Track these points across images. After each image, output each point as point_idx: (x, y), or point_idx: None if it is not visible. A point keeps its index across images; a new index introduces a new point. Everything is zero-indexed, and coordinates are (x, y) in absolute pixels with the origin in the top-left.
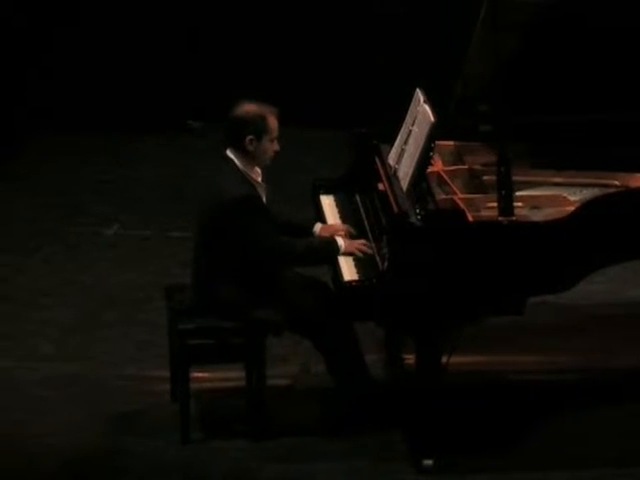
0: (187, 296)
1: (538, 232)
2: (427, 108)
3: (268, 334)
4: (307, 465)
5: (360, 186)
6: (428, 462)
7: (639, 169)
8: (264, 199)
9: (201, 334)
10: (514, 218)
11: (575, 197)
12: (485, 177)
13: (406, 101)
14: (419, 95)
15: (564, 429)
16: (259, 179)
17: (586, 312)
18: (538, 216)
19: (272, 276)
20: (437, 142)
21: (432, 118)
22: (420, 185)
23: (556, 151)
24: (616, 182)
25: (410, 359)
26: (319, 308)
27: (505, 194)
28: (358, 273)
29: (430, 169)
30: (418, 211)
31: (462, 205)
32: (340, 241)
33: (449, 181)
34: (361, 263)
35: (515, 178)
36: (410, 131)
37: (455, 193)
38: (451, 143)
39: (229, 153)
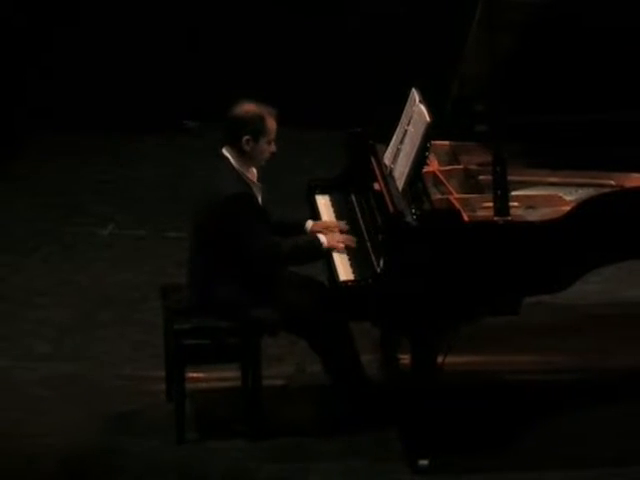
0: (183, 296)
1: (534, 232)
2: (423, 108)
3: (264, 334)
4: (303, 465)
5: (356, 186)
6: (424, 462)
7: (635, 169)
8: (259, 199)
9: (197, 334)
10: (510, 218)
11: (571, 197)
12: (481, 177)
13: (402, 101)
14: (415, 95)
15: (560, 429)
16: (254, 179)
17: (582, 312)
18: (534, 216)
19: (268, 275)
20: (433, 142)
21: (428, 118)
22: (416, 185)
23: (552, 151)
24: (612, 182)
25: (406, 359)
26: (315, 308)
27: (501, 194)
28: (354, 273)
29: (426, 169)
30: (414, 211)
31: (458, 205)
32: (322, 237)
33: (445, 181)
34: (357, 263)
35: (511, 178)
36: (406, 131)
37: (451, 193)
38: (447, 143)
39: (225, 152)
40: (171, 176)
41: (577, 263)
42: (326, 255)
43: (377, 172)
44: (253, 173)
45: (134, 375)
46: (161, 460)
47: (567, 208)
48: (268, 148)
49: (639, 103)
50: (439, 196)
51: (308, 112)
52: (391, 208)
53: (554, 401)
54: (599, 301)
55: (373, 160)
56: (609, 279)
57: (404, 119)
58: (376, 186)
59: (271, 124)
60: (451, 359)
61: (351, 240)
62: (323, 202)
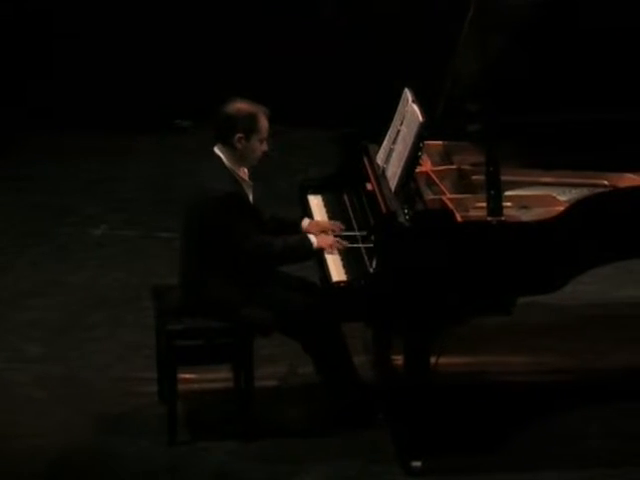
0: (175, 296)
1: (527, 232)
2: (415, 108)
3: (256, 335)
4: (295, 466)
5: (348, 186)
6: (417, 463)
7: (628, 169)
8: (251, 197)
9: (189, 335)
10: (503, 218)
11: (564, 197)
12: (474, 177)
13: (394, 101)
14: (407, 95)
15: (554, 429)
16: (246, 177)
17: (576, 312)
18: (527, 216)
19: (259, 275)
20: (425, 142)
21: (420, 118)
22: (408, 185)
23: (545, 151)
24: (605, 182)
25: (398, 360)
26: (307, 309)
27: (494, 194)
28: (346, 274)
29: (419, 169)
30: (406, 211)
31: (451, 205)
32: (312, 238)
33: (438, 181)
34: (349, 264)
35: (504, 178)
36: (398, 131)
37: (444, 193)
38: (440, 143)
39: (217, 150)
40: (163, 176)
41: (571, 263)
42: (316, 255)
43: (370, 172)
44: (245, 172)
45: (126, 376)
46: (153, 461)
47: (561, 208)
48: (260, 147)
49: (633, 102)
50: (432, 196)
51: (299, 111)
52: (384, 208)
53: (548, 401)
54: (593, 301)
55: (366, 160)
56: (603, 279)
57: (397, 119)
58: (369, 186)
59: (263, 122)
60: (445, 360)
61: (341, 243)
62: (315, 202)
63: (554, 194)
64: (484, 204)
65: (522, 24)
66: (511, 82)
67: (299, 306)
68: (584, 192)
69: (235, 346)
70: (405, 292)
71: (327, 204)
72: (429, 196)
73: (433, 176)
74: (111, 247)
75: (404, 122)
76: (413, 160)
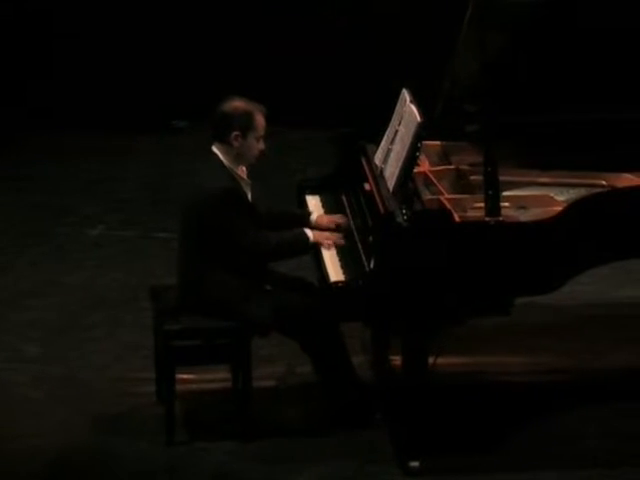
0: (173, 297)
1: (525, 232)
2: (413, 108)
3: (254, 335)
4: (293, 466)
5: (346, 186)
6: (415, 464)
7: (626, 169)
8: (249, 195)
9: (187, 335)
10: (501, 218)
11: (562, 197)
12: (472, 177)
13: (393, 101)
14: (405, 95)
15: (552, 429)
16: (244, 175)
17: (574, 313)
18: (525, 216)
19: (258, 274)
20: (424, 142)
21: (418, 118)
22: (406, 185)
23: (543, 151)
24: (603, 182)
25: (396, 360)
26: (306, 309)
27: (492, 194)
28: (344, 274)
29: (417, 169)
30: (404, 211)
31: (449, 205)
32: (309, 232)
33: (436, 181)
34: (348, 264)
35: (502, 178)
36: (396, 131)
37: (442, 193)
38: (438, 143)
39: (214, 148)
40: (160, 176)
41: (569, 264)
42: (312, 249)
43: (368, 172)
44: (243, 170)
45: (124, 376)
46: (151, 461)
47: (558, 208)
48: (257, 145)
49: (631, 103)
50: (430, 196)
51: (297, 111)
52: (382, 209)
53: (546, 402)
54: (591, 302)
55: (364, 160)
56: (601, 280)
57: (395, 119)
58: (367, 186)
59: (260, 120)
60: (443, 360)
61: (338, 238)
62: (314, 202)
63: (552, 194)
64: (482, 204)
65: (520, 24)
66: (509, 82)
67: (297, 306)
68: (582, 192)
69: (233, 346)
70: (403, 292)
71: (325, 204)
72: (427, 196)
73: (431, 176)
74: (109, 247)
75: (402, 122)
76: (411, 160)
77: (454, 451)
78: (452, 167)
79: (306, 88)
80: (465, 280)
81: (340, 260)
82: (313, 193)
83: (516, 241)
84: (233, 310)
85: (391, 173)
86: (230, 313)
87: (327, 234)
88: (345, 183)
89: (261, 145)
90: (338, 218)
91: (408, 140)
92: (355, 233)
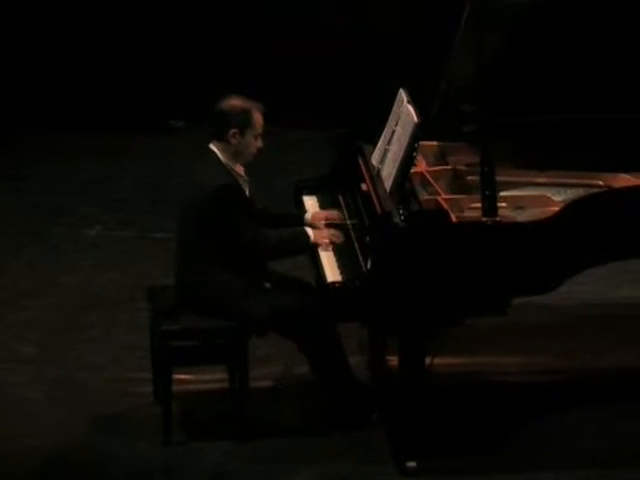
0: (170, 297)
1: (522, 233)
2: (410, 108)
3: (251, 335)
4: (290, 467)
5: (343, 186)
6: (411, 464)
7: (623, 169)
8: (247, 192)
9: (184, 335)
10: (498, 218)
11: (559, 197)
12: (469, 177)
13: (389, 101)
14: (402, 95)
15: (550, 430)
16: (242, 173)
17: (571, 313)
18: (522, 216)
19: (256, 273)
20: (420, 142)
21: (415, 118)
22: (403, 186)
23: (540, 151)
24: (600, 182)
25: (393, 360)
26: (303, 309)
27: (489, 194)
28: (341, 274)
29: (414, 169)
30: (401, 212)
31: (446, 206)
32: (310, 231)
33: (433, 181)
34: (344, 264)
35: (499, 178)
36: (393, 131)
37: (439, 194)
38: (434, 143)
39: (212, 146)
40: (157, 177)
41: (566, 264)
42: (311, 249)
43: (365, 173)
44: (240, 168)
45: (121, 377)
46: (148, 462)
47: (555, 209)
48: (255, 143)
49: (628, 103)
50: (427, 197)
51: (294, 112)
52: (379, 209)
53: (544, 402)
54: (588, 302)
55: (361, 161)
56: (598, 280)
57: (392, 119)
58: (364, 187)
59: (258, 118)
60: (440, 360)
61: (337, 236)
62: (310, 202)
63: (549, 194)
64: (479, 204)
65: (516, 25)
66: (506, 83)
67: (295, 306)
68: (579, 192)
69: (230, 347)
70: (400, 292)
71: (322, 204)
72: (424, 196)
73: (428, 176)
74: (106, 248)
75: (399, 122)
76: (408, 160)
77: (451, 451)
78: (449, 167)
79: (304, 88)
80: (462, 280)
81: (337, 260)
82: (310, 193)
83: (513, 241)
84: (231, 308)
85: (388, 173)
86: (228, 311)
87: (326, 233)
88: (342, 183)
89: (259, 143)
90: (332, 212)
91: (405, 140)
92: (352, 233)
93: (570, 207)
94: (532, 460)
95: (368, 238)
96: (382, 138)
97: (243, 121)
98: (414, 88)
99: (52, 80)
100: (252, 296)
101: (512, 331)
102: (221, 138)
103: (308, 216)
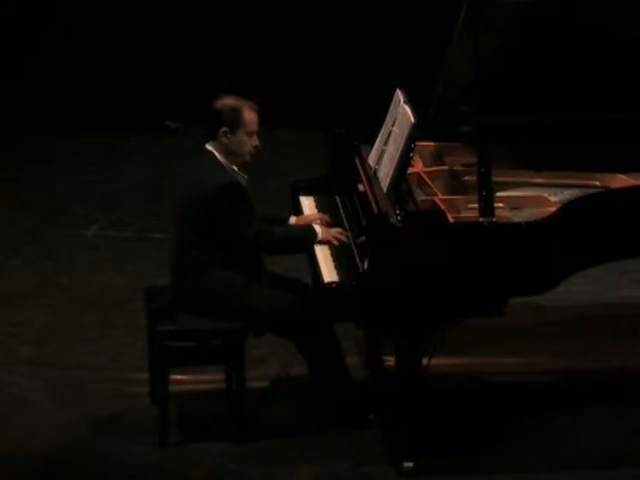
0: (167, 297)
1: (519, 233)
2: (407, 109)
3: (248, 335)
4: (287, 467)
5: (340, 187)
6: (409, 464)
7: (620, 170)
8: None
9: (181, 336)
10: (495, 219)
11: (556, 198)
12: (466, 178)
13: (386, 102)
14: (399, 96)
15: (548, 430)
16: (239, 171)
17: (569, 313)
18: (519, 217)
19: (255, 273)
20: (417, 143)
21: (412, 119)
22: (400, 186)
23: (537, 152)
24: (597, 183)
25: (390, 361)
26: (300, 310)
27: (486, 195)
28: (338, 274)
29: (410, 170)
30: (398, 212)
31: (443, 206)
32: (318, 228)
33: (429, 182)
34: (341, 264)
35: (496, 179)
36: (390, 132)
37: (435, 194)
38: (431, 144)
39: (209, 146)
40: (155, 177)
41: (563, 264)
42: (313, 245)
43: (361, 173)
44: (237, 167)
45: (118, 377)
46: (145, 462)
47: (552, 209)
48: (249, 141)
49: (626, 103)
50: (424, 197)
51: (291, 112)
52: (375, 209)
53: (541, 402)
54: (586, 302)
55: (357, 161)
56: (596, 280)
57: (388, 120)
58: (360, 187)
59: (249, 116)
60: (437, 360)
61: (344, 234)
62: (307, 203)
63: (546, 195)
64: (476, 205)
65: (514, 25)
66: (503, 83)
67: (292, 306)
68: (576, 193)
69: (227, 347)
70: (397, 293)
71: (319, 205)
72: (421, 197)
73: (425, 177)
74: (103, 248)
75: (396, 123)
76: (405, 161)
77: (448, 452)
78: (446, 168)
79: (301, 89)
80: (459, 281)
81: (334, 261)
82: (307, 194)
83: (510, 241)
84: (231, 306)
85: (385, 174)
86: (227, 309)
87: (334, 231)
88: (339, 184)
89: (254, 141)
90: (317, 217)
91: (402, 141)
92: (349, 234)
93: (567, 207)
94: (528, 460)
95: (365, 238)
96: (379, 138)
97: (233, 119)
98: (411, 88)
99: (49, 80)
100: (252, 294)
101: (509, 331)
102: (214, 137)
103: (291, 222)
